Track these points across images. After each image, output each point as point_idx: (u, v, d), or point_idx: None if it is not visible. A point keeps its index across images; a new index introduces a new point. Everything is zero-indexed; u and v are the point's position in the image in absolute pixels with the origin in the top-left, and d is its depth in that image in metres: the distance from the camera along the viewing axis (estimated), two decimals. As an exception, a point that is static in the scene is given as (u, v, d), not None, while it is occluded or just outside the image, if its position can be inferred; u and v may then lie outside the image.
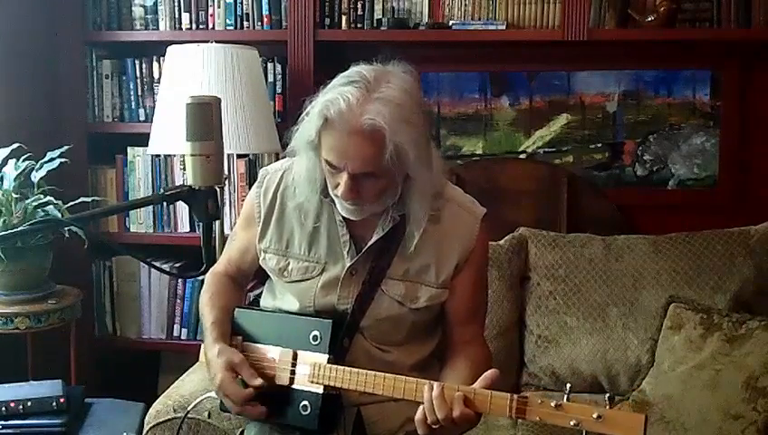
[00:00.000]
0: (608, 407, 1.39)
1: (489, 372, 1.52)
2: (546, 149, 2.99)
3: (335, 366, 1.62)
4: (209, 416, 2.10)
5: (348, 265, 1.69)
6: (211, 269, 1.87)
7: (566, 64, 2.95)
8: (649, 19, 2.74)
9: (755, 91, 2.89)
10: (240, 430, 1.89)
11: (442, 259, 1.70)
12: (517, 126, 3.00)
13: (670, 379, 2.27)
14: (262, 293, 1.90)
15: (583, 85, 2.96)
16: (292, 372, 1.66)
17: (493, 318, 2.52)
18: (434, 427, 1.50)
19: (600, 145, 2.98)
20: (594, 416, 1.38)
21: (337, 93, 1.53)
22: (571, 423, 1.40)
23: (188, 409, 1.98)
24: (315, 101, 1.59)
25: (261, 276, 1.88)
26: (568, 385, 1.44)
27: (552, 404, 1.41)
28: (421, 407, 1.52)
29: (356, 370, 1.61)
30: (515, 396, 1.45)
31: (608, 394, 1.42)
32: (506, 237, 2.65)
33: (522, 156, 3.01)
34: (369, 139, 1.52)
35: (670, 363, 2.31)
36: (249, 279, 1.93)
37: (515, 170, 2.93)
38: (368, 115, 1.51)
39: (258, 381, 1.64)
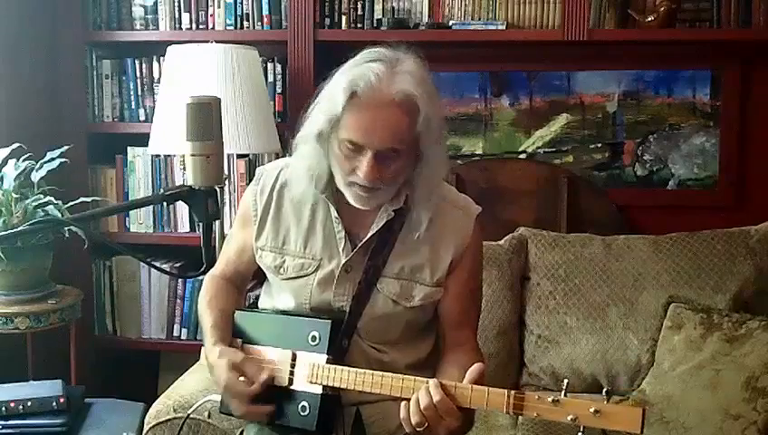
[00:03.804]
0: (606, 402, 1.38)
1: (474, 366, 1.49)
2: (546, 150, 2.99)
3: (333, 366, 1.61)
4: (209, 416, 2.09)
5: (343, 261, 1.68)
6: (209, 273, 1.86)
7: (566, 64, 2.95)
8: (649, 19, 2.74)
9: (755, 91, 2.89)
10: (240, 430, 1.89)
11: (436, 258, 1.70)
12: (517, 126, 3.00)
13: (670, 379, 2.27)
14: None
15: (583, 85, 2.96)
16: (292, 373, 1.66)
17: (493, 318, 2.52)
18: (418, 429, 1.48)
19: (600, 145, 2.98)
20: (591, 411, 1.38)
21: (362, 69, 1.54)
22: (569, 418, 1.39)
23: (189, 412, 1.98)
24: (327, 87, 1.60)
25: (260, 277, 1.88)
26: (565, 381, 1.44)
27: (550, 400, 1.40)
28: (404, 404, 1.50)
29: (354, 369, 1.60)
30: (512, 392, 1.44)
31: (605, 389, 1.41)
32: (506, 237, 2.65)
33: (522, 156, 3.01)
34: (402, 109, 1.53)
35: (670, 363, 2.31)
36: (248, 281, 1.92)
37: (515, 170, 2.94)
38: (398, 85, 1.53)
39: (264, 376, 1.63)
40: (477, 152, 3.02)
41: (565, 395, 1.41)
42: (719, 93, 2.90)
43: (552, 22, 2.80)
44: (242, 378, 1.64)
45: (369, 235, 1.68)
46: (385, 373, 1.57)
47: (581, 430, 1.39)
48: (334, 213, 1.69)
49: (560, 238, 2.65)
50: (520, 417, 2.36)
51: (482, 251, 1.80)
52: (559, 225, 2.82)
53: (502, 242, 2.63)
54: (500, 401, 1.45)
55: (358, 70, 1.55)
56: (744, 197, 2.93)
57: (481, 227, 1.75)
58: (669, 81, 2.93)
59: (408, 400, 1.51)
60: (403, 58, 1.58)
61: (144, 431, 2.13)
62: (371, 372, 1.58)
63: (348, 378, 1.60)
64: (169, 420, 2.11)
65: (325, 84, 1.62)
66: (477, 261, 1.77)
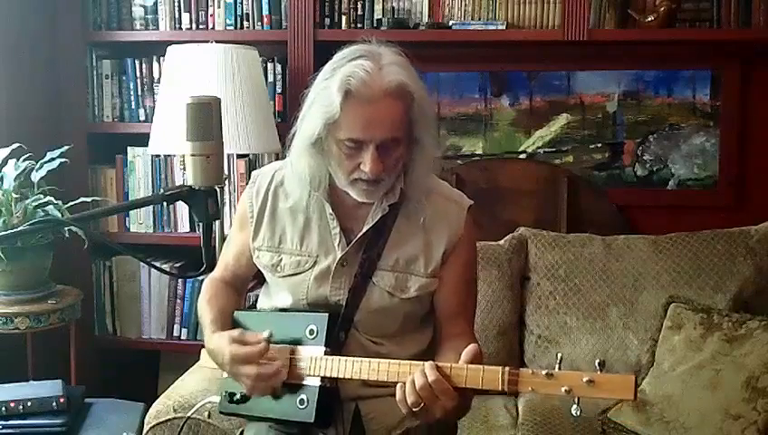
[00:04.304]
0: (598, 371, 1.39)
1: (470, 347, 1.50)
2: (546, 150, 2.99)
3: (331, 357, 1.63)
4: (209, 416, 2.10)
5: (339, 256, 1.70)
6: (208, 276, 1.88)
7: (566, 64, 2.95)
8: (649, 19, 2.74)
9: (755, 92, 2.89)
10: (240, 430, 1.89)
11: (430, 248, 1.71)
12: (517, 126, 3.00)
13: (670, 379, 2.27)
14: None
15: (583, 85, 2.96)
16: (290, 368, 1.66)
17: (493, 318, 2.52)
18: (414, 410, 1.47)
19: (600, 145, 2.98)
20: (585, 380, 1.38)
21: (350, 68, 1.56)
22: (563, 390, 1.39)
23: (189, 414, 1.98)
24: (315, 93, 1.61)
25: (260, 277, 1.88)
26: (559, 355, 1.44)
27: (543, 373, 1.41)
28: (399, 385, 1.50)
29: (351, 358, 1.61)
30: (507, 369, 1.44)
31: (598, 360, 1.42)
32: (506, 237, 2.66)
33: (522, 156, 3.00)
34: (397, 97, 1.56)
35: (670, 363, 2.31)
36: (247, 283, 1.93)
37: (515, 170, 2.94)
38: (389, 76, 1.55)
39: (266, 332, 1.63)
40: (477, 152, 3.02)
41: (559, 369, 1.42)
42: (719, 93, 2.90)
43: (552, 22, 2.80)
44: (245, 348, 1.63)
45: (364, 229, 1.69)
46: (381, 360, 1.58)
47: (576, 401, 1.40)
48: (329, 209, 1.71)
49: (560, 238, 2.65)
50: (520, 417, 2.36)
51: (476, 243, 1.81)
52: (559, 225, 2.82)
53: (502, 242, 2.64)
54: (495, 378, 1.45)
55: (345, 69, 1.56)
56: (744, 197, 2.93)
57: (474, 219, 1.76)
58: (669, 81, 2.93)
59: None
60: (383, 51, 1.61)
61: (144, 431, 2.13)
62: (368, 359, 1.59)
63: (345, 367, 1.61)
64: (169, 420, 2.11)
65: (309, 92, 1.63)
66: (471, 253, 1.79)
